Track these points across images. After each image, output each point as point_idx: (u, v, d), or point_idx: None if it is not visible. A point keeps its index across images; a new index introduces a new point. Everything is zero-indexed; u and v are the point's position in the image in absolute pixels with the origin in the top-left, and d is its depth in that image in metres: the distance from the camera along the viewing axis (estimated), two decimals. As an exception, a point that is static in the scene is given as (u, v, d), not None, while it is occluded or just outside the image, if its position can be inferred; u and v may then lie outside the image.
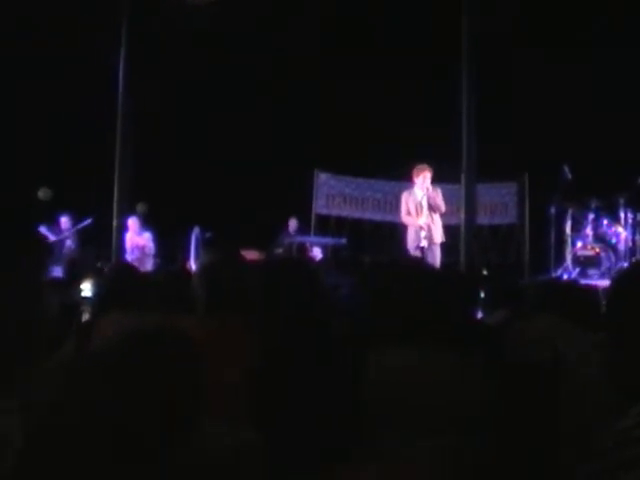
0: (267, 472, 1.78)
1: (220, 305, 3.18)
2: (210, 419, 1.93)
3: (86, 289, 5.23)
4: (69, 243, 13.05)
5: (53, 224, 13.15)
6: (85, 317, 4.43)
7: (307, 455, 1.75)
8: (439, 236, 10.64)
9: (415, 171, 10.70)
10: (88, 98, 12.74)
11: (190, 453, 1.85)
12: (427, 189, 10.52)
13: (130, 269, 4.38)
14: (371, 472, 1.73)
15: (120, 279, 4.06)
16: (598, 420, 2.38)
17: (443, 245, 10.76)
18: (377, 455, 1.77)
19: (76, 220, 13.20)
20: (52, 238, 12.69)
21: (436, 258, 10.46)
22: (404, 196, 10.88)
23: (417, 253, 10.38)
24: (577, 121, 12.53)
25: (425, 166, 10.66)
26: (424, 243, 10.50)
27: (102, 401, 1.79)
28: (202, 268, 3.42)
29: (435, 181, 10.74)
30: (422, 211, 10.58)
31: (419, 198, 10.64)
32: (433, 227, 10.56)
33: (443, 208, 10.63)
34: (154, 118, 13.10)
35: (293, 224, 14.23)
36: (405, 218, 10.80)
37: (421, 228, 10.51)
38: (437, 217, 10.65)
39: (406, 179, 11.39)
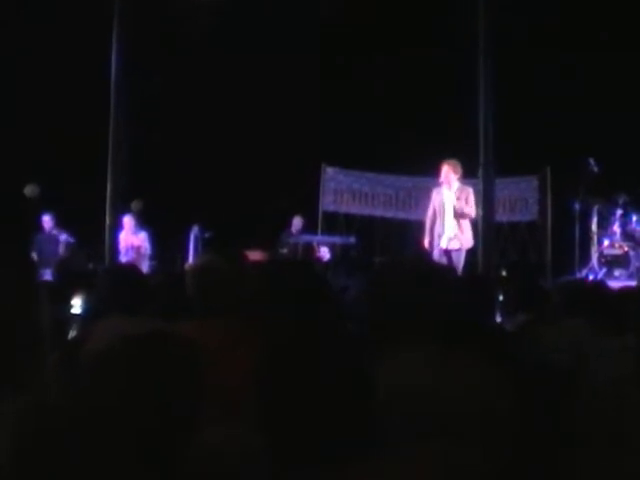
0: (270, 476, 1.82)
1: (213, 308, 3.20)
2: (212, 424, 1.97)
3: (76, 305, 5.23)
4: (64, 237, 12.91)
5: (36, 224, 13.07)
6: (73, 334, 4.44)
7: (311, 460, 1.78)
8: (468, 241, 10.64)
9: (442, 167, 10.67)
10: (78, 87, 12.79)
11: (192, 458, 1.89)
12: (450, 189, 10.50)
13: (125, 272, 4.41)
14: (378, 475, 1.77)
15: (115, 283, 4.09)
16: (627, 431, 2.40)
17: (470, 251, 10.77)
18: (386, 460, 1.80)
19: (60, 220, 13.09)
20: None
21: (459, 263, 10.47)
22: (433, 194, 10.91)
23: (438, 256, 10.40)
24: (604, 110, 12.53)
25: (449, 161, 10.65)
26: (445, 245, 10.52)
27: (100, 406, 1.82)
28: (193, 269, 3.43)
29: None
30: (445, 213, 10.57)
31: (444, 197, 10.66)
32: (460, 233, 10.55)
33: (473, 214, 10.63)
34: (151, 109, 13.15)
35: (297, 223, 14.17)
36: (429, 217, 10.81)
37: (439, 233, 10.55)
38: (465, 222, 10.65)
39: (419, 174, 11.40)
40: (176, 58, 13.62)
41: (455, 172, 10.58)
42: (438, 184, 10.88)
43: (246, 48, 13.66)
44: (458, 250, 10.56)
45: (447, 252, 10.54)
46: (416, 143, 12.57)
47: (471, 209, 10.60)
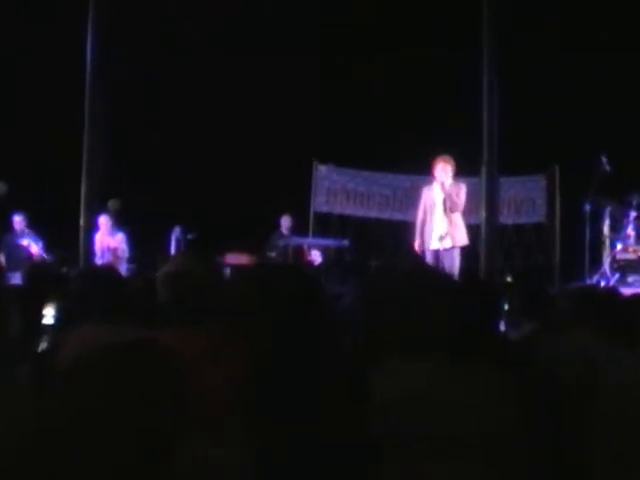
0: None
1: (188, 316, 3.20)
2: (196, 437, 1.97)
3: (48, 315, 5.20)
4: (27, 241, 12.89)
5: (5, 224, 13.03)
6: (44, 345, 4.43)
7: (302, 476, 1.79)
8: (461, 239, 10.66)
9: (434, 163, 10.71)
10: (50, 76, 12.78)
11: (175, 473, 1.89)
12: (442, 184, 10.51)
13: (102, 275, 4.40)
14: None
15: (90, 288, 4.08)
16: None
17: (465, 248, 10.78)
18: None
19: (32, 220, 13.05)
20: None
21: (454, 263, 10.48)
22: (423, 192, 10.95)
23: (429, 257, 10.42)
24: (616, 105, 12.57)
25: (444, 157, 10.66)
26: (436, 246, 10.54)
27: (72, 421, 1.82)
28: (165, 274, 3.42)
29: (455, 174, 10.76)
30: (435, 211, 10.61)
31: (434, 195, 10.68)
32: (451, 229, 10.57)
33: (461, 206, 10.63)
34: (129, 102, 13.14)
35: (286, 222, 14.16)
36: (419, 217, 10.83)
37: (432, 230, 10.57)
38: (457, 217, 10.65)
39: (418, 172, 11.41)
40: (154, 41, 13.62)
41: (451, 168, 10.61)
42: (429, 181, 10.92)
43: (242, 46, 13.71)
44: (451, 249, 10.57)
45: (439, 253, 10.55)
46: (415, 141, 12.59)
47: (460, 201, 10.61)
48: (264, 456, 1.84)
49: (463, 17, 11.48)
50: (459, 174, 11.10)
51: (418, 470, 1.99)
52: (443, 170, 10.58)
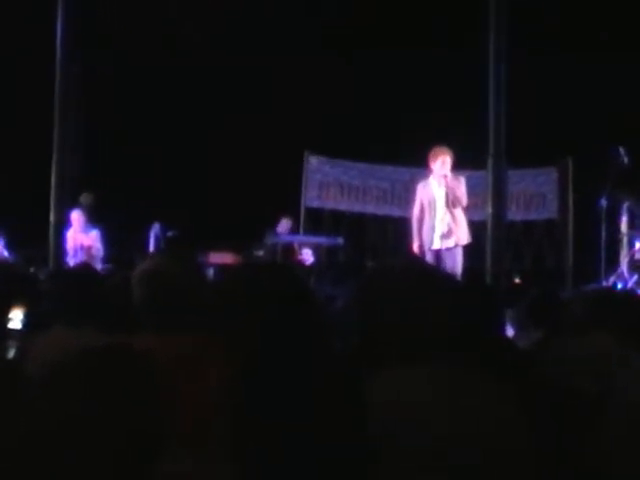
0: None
1: (165, 319, 3.20)
2: (176, 451, 1.97)
3: (16, 319, 5.20)
4: None
5: None
6: (10, 352, 4.42)
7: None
8: (464, 237, 10.66)
9: (431, 155, 10.68)
10: (19, 65, 12.78)
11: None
12: (444, 178, 10.50)
13: (76, 275, 4.40)
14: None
15: (63, 289, 4.08)
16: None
17: (468, 247, 10.79)
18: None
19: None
20: None
21: (457, 263, 10.49)
22: (419, 188, 10.91)
23: (430, 258, 10.41)
24: (634, 92, 12.59)
25: (443, 149, 10.64)
26: (438, 245, 10.55)
27: (42, 434, 1.83)
28: (139, 274, 3.42)
29: (457, 167, 10.75)
30: (436, 207, 10.61)
31: (433, 190, 10.67)
32: (454, 226, 10.58)
33: (464, 201, 10.62)
34: (104, 88, 13.15)
35: (285, 226, 14.15)
36: (416, 216, 10.82)
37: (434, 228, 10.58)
38: (459, 213, 10.66)
39: (420, 165, 11.41)
40: (133, 24, 13.66)
41: (450, 160, 10.60)
42: (425, 175, 10.91)
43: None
44: (453, 248, 10.58)
45: (440, 253, 10.56)
46: (415, 129, 12.60)
47: (463, 195, 10.61)
48: (253, 464, 1.85)
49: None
50: (463, 166, 11.11)
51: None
52: (442, 162, 10.57)
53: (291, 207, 14.71)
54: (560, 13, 13.18)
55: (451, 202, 10.58)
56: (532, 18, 12.32)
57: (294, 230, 14.40)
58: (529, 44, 12.25)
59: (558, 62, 13.27)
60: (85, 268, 5.09)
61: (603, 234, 12.01)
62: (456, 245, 10.60)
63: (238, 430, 1.94)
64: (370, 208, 15.25)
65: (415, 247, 10.78)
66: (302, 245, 13.85)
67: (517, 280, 12.45)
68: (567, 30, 13.18)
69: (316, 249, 13.84)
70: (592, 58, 12.97)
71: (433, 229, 10.61)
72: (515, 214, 13.91)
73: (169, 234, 13.09)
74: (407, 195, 14.10)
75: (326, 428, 1.87)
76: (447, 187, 10.52)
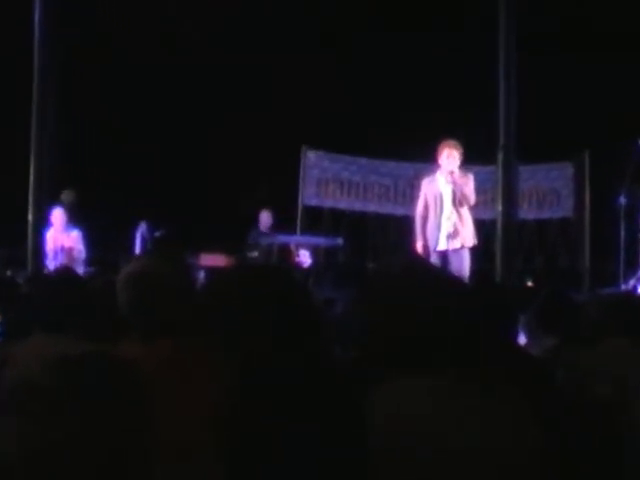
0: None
1: (152, 325, 3.21)
2: (165, 467, 1.97)
3: None
4: None
5: None
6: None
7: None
8: (470, 238, 10.66)
9: (439, 149, 10.67)
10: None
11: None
12: (451, 174, 10.49)
13: (57, 279, 4.40)
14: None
15: (42, 293, 4.08)
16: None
17: (474, 249, 10.78)
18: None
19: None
20: None
21: (464, 265, 10.49)
22: (424, 184, 10.91)
23: (435, 259, 10.40)
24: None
25: (450, 142, 10.63)
26: (444, 246, 10.54)
27: (17, 454, 1.83)
28: (124, 276, 3.42)
29: (464, 162, 10.74)
30: (443, 205, 10.60)
31: (440, 187, 10.67)
32: (460, 226, 10.57)
33: (472, 200, 10.61)
34: (86, 80, 13.15)
35: (266, 219, 14.14)
36: (420, 213, 10.82)
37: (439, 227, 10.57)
38: (466, 212, 10.65)
39: (425, 160, 11.41)
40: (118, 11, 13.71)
41: (458, 155, 10.58)
42: (431, 171, 10.90)
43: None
44: (460, 249, 10.57)
45: (447, 254, 10.56)
46: (419, 123, 12.61)
47: (472, 193, 10.60)
48: (247, 470, 1.86)
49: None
50: (472, 161, 11.10)
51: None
52: (450, 157, 10.55)
53: (287, 205, 14.70)
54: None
55: (458, 200, 10.57)
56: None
57: (282, 225, 14.35)
58: (539, 37, 12.28)
59: (579, 56, 13.27)
60: (66, 271, 5.09)
61: (622, 234, 12.03)
62: (462, 246, 10.60)
63: (232, 435, 1.94)
64: (372, 206, 15.25)
65: (419, 247, 10.75)
66: (299, 246, 13.83)
67: (529, 283, 12.44)
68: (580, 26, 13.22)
69: (314, 250, 13.82)
70: (609, 54, 13.00)
71: (438, 228, 10.60)
72: (527, 212, 13.91)
73: (156, 234, 13.07)
74: (411, 192, 14.13)
75: (324, 432, 1.87)
76: (454, 184, 10.51)
